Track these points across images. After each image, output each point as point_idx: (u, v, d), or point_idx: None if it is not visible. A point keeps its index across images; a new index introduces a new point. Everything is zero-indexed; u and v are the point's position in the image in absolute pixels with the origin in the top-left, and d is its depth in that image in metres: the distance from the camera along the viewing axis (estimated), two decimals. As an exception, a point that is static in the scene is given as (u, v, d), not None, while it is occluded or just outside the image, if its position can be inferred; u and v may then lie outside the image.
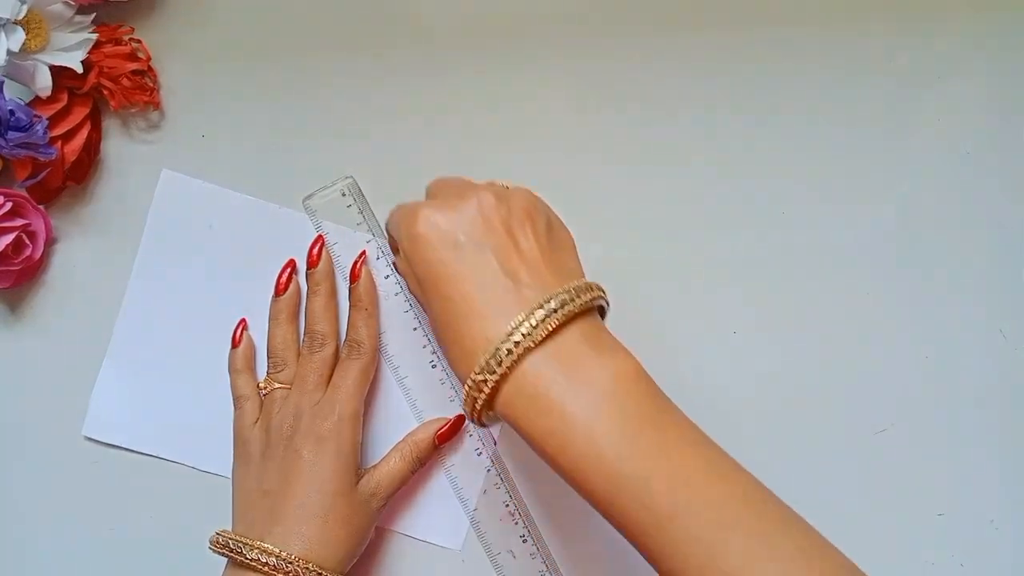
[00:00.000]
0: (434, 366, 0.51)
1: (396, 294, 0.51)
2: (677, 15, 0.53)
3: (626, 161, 0.52)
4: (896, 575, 0.50)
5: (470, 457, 0.50)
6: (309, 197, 0.51)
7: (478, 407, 0.38)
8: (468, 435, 0.50)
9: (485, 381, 0.37)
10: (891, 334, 0.51)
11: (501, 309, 0.37)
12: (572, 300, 0.37)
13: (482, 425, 0.39)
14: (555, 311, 0.37)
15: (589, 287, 0.38)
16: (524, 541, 0.50)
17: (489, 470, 0.50)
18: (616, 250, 0.52)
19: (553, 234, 0.41)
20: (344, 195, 0.51)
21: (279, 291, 0.50)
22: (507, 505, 0.50)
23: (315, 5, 0.53)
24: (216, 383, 0.51)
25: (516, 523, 0.50)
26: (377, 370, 0.50)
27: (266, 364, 0.50)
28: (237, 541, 0.44)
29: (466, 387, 0.38)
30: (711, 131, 0.52)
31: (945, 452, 0.51)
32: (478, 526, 0.50)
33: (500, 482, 0.50)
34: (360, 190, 0.51)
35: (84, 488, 0.52)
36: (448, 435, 0.50)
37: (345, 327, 0.50)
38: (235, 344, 0.51)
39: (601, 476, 0.35)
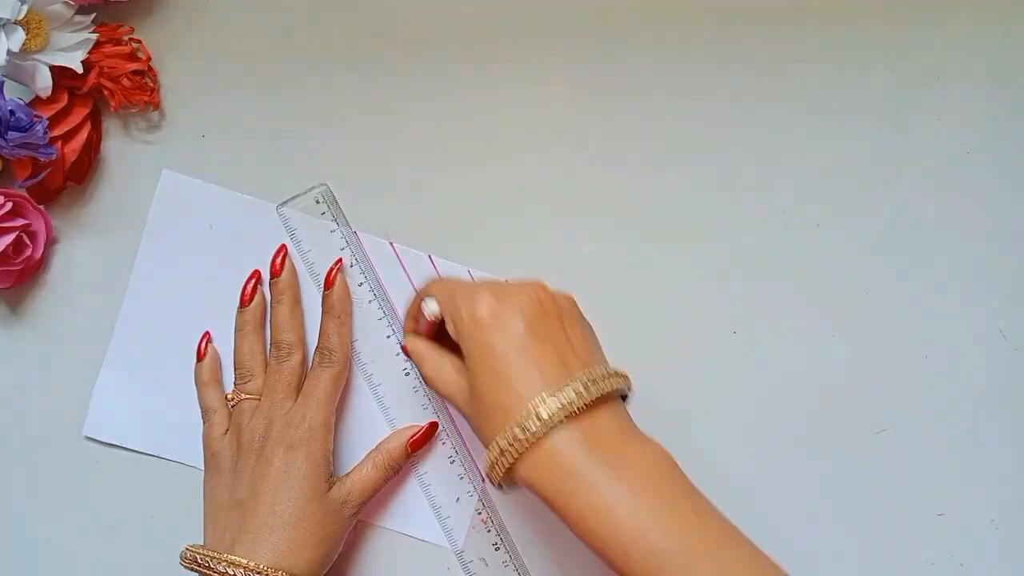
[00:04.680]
0: (407, 373, 0.51)
1: (370, 301, 0.51)
2: (676, 15, 0.53)
3: (624, 161, 0.52)
4: (896, 575, 0.50)
5: (443, 465, 0.50)
6: (283, 204, 0.51)
7: (502, 468, 0.40)
8: (441, 443, 0.50)
9: (516, 443, 0.39)
10: (891, 334, 0.51)
11: (546, 387, 0.39)
12: (604, 379, 0.40)
13: (500, 488, 0.41)
14: (588, 386, 0.39)
15: (619, 373, 0.42)
16: (496, 549, 0.50)
17: (462, 478, 0.50)
18: (615, 250, 0.52)
19: (590, 334, 0.44)
20: (318, 202, 0.51)
21: (244, 302, 0.50)
22: (479, 513, 0.50)
23: (315, 6, 0.53)
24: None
25: (489, 531, 0.50)
26: (349, 377, 0.50)
27: (233, 376, 0.50)
28: (206, 556, 0.44)
29: (495, 448, 0.40)
30: (711, 131, 0.52)
31: (945, 452, 0.51)
32: (450, 533, 0.50)
33: (473, 490, 0.50)
34: (334, 197, 0.51)
35: (84, 488, 0.52)
36: (420, 442, 0.50)
37: (312, 335, 0.50)
38: (200, 357, 0.51)
39: (642, 552, 0.37)
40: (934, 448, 0.51)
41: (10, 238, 0.48)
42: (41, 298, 0.52)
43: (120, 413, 0.51)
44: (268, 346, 0.50)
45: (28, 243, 0.50)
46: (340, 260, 0.50)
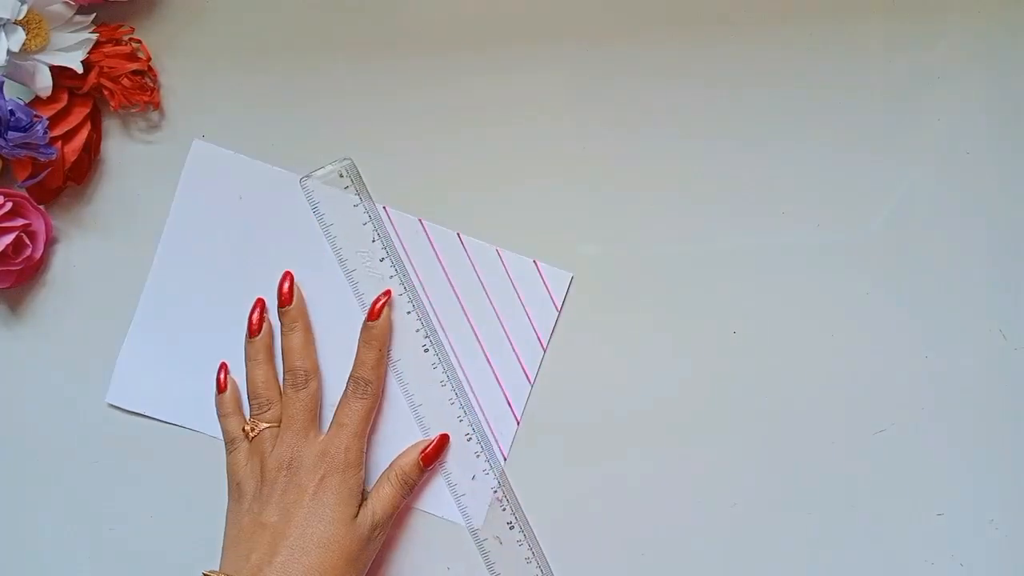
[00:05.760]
0: (426, 350, 0.51)
1: (391, 277, 0.51)
2: (676, 17, 0.53)
3: (625, 160, 0.52)
4: (896, 575, 0.50)
5: (460, 442, 0.51)
6: (307, 177, 0.51)
7: None
8: (458, 419, 0.51)
9: None
10: (891, 334, 0.51)
11: None
12: None
13: None
14: None
15: None
16: (511, 527, 0.50)
17: (478, 456, 0.50)
18: (615, 250, 0.52)
19: None
20: (342, 176, 0.51)
21: (252, 332, 0.50)
22: (495, 491, 0.50)
23: (315, 5, 0.53)
24: (242, 355, 0.51)
25: (504, 509, 0.50)
26: (385, 396, 0.51)
27: (248, 404, 0.50)
28: None
29: None
30: (710, 131, 0.52)
31: (945, 452, 0.51)
32: (465, 511, 0.50)
33: (489, 468, 0.50)
34: (359, 172, 0.51)
35: (84, 488, 0.52)
36: (432, 456, 0.50)
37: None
38: (220, 389, 0.51)
39: None
40: (934, 448, 0.51)
41: (10, 238, 0.48)
42: (41, 298, 0.52)
43: (144, 381, 0.51)
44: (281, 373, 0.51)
45: (28, 243, 0.50)
46: (389, 292, 0.50)
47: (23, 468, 0.52)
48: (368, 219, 0.51)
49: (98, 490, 0.52)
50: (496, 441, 0.51)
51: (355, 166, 0.51)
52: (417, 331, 0.51)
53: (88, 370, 0.52)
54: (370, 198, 0.51)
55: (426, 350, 0.51)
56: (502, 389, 0.51)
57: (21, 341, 0.52)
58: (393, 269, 0.51)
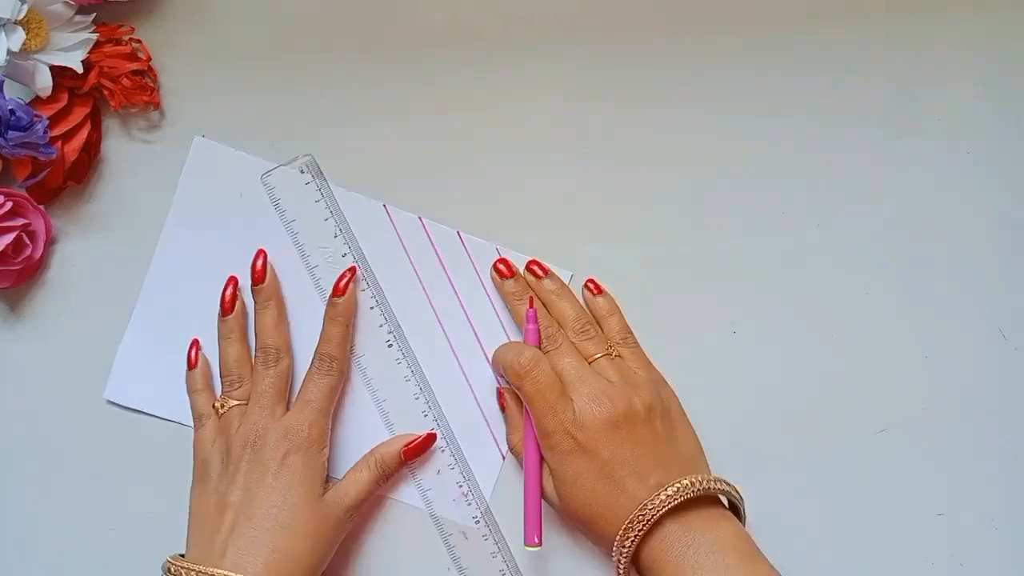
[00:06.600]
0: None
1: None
2: (678, 16, 0.53)
3: (625, 161, 0.52)
4: (896, 575, 0.50)
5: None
6: (268, 174, 0.51)
7: (623, 562, 0.44)
8: (423, 415, 0.51)
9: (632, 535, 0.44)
10: (891, 334, 0.51)
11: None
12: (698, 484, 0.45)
13: None
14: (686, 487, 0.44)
15: (713, 479, 0.46)
16: (477, 522, 0.50)
17: (443, 451, 0.50)
18: (616, 250, 0.52)
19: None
20: (303, 172, 0.51)
21: (226, 310, 0.50)
22: (460, 486, 0.50)
23: (314, 5, 0.53)
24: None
25: (469, 504, 0.50)
26: (349, 380, 0.50)
27: (220, 382, 0.50)
28: (190, 570, 0.44)
29: (617, 544, 0.44)
30: (711, 131, 0.52)
31: (945, 452, 0.51)
32: (431, 506, 0.50)
33: (454, 463, 0.50)
34: (319, 168, 0.51)
35: (84, 488, 0.52)
36: (416, 451, 0.50)
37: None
38: (191, 365, 0.51)
39: None
40: (934, 448, 0.51)
41: (10, 238, 0.48)
42: (41, 298, 0.52)
43: (141, 378, 0.51)
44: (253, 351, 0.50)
45: (28, 243, 0.50)
46: (354, 269, 0.50)
47: (23, 468, 0.52)
48: (330, 215, 0.51)
49: (98, 490, 0.51)
50: (496, 440, 0.51)
51: (316, 162, 0.51)
52: (381, 326, 0.51)
53: (88, 370, 0.52)
54: (331, 193, 0.51)
55: (390, 345, 0.51)
56: None
57: (21, 341, 0.52)
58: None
